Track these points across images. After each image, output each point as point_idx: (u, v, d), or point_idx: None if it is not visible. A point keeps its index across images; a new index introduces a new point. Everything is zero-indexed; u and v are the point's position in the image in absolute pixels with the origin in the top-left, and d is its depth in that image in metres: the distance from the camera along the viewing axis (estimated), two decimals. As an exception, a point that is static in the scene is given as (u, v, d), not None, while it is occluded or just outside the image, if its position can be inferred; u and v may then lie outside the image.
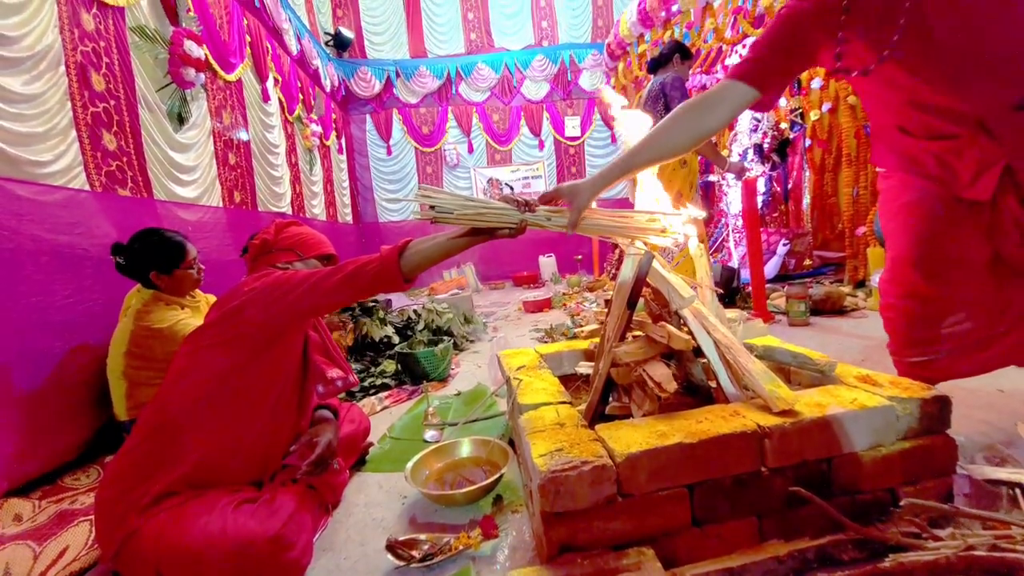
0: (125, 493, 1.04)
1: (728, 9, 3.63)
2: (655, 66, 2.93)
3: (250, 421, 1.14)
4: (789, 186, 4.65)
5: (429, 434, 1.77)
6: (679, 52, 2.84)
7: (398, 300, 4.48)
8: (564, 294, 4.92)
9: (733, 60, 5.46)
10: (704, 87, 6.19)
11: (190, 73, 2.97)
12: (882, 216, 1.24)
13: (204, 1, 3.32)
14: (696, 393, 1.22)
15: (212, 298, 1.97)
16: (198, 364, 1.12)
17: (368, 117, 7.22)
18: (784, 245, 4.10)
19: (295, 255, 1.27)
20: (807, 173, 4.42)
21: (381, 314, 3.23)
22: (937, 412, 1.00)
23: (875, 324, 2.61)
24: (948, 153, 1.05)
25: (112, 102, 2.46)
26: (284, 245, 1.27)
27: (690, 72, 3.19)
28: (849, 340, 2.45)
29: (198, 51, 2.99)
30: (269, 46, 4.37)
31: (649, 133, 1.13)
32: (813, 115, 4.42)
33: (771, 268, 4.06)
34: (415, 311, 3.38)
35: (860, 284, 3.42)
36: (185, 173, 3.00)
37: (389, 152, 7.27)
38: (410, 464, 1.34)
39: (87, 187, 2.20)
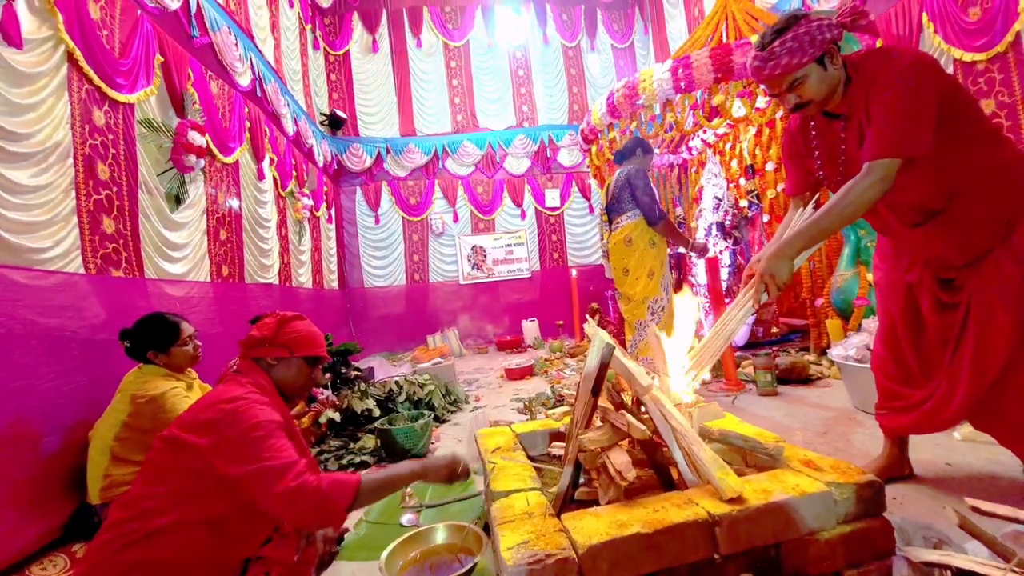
0: None
1: (686, 105, 4.07)
2: (620, 158, 3.25)
3: (227, 516, 1.11)
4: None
5: (406, 518, 1.77)
6: (640, 147, 3.18)
7: (381, 370, 4.49)
8: (546, 359, 4.99)
9: (695, 143, 6.01)
10: (671, 165, 6.73)
11: (191, 159, 3.17)
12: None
13: (209, 93, 3.60)
14: (660, 474, 1.29)
15: (207, 387, 2.02)
16: (175, 461, 1.10)
17: (358, 188, 7.55)
18: (752, 315, 4.30)
19: (287, 351, 1.30)
20: (768, 246, 4.74)
21: (363, 386, 3.24)
22: (871, 496, 1.09)
23: (838, 394, 2.73)
24: (896, 247, 1.57)
25: (115, 189, 2.58)
26: (280, 341, 1.30)
27: (651, 163, 3.54)
28: (814, 412, 2.55)
29: (200, 140, 3.21)
30: (267, 129, 4.66)
31: (830, 205, 1.33)
32: (770, 193, 4.83)
33: (741, 337, 4.23)
34: (397, 382, 3.40)
35: (824, 352, 3.59)
36: (176, 250, 3.10)
37: (377, 221, 7.55)
38: (384, 554, 1.35)
39: (82, 270, 2.27)
